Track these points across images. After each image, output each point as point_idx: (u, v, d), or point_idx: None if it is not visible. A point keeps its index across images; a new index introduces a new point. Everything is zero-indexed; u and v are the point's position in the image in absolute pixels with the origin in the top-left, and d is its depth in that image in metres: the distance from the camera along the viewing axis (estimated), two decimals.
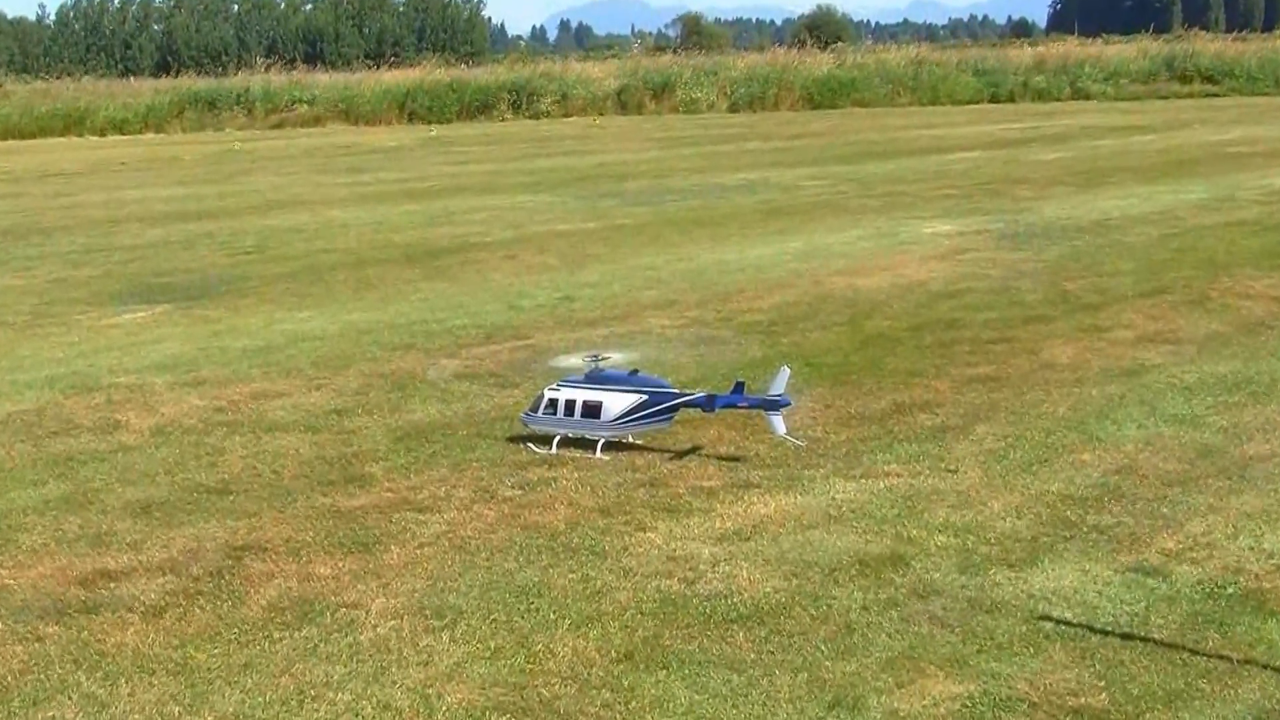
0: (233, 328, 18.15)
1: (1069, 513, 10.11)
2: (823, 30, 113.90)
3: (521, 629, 8.30)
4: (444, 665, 7.85)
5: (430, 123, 68.51)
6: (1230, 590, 8.65)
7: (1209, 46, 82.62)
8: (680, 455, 11.70)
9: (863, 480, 10.94)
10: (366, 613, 8.56)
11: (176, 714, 7.38)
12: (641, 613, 8.47)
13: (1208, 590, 8.68)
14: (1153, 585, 8.76)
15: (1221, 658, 7.73)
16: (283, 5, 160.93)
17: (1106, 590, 8.68)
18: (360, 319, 18.46)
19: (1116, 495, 10.49)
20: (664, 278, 21.09)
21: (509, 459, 11.74)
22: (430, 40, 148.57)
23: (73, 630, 8.46)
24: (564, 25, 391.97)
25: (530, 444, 12.03)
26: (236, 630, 8.38)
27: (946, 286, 19.58)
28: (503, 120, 69.35)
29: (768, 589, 8.78)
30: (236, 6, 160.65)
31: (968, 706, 7.29)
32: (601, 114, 70.59)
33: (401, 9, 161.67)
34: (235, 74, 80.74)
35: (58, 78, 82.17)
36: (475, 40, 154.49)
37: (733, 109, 71.92)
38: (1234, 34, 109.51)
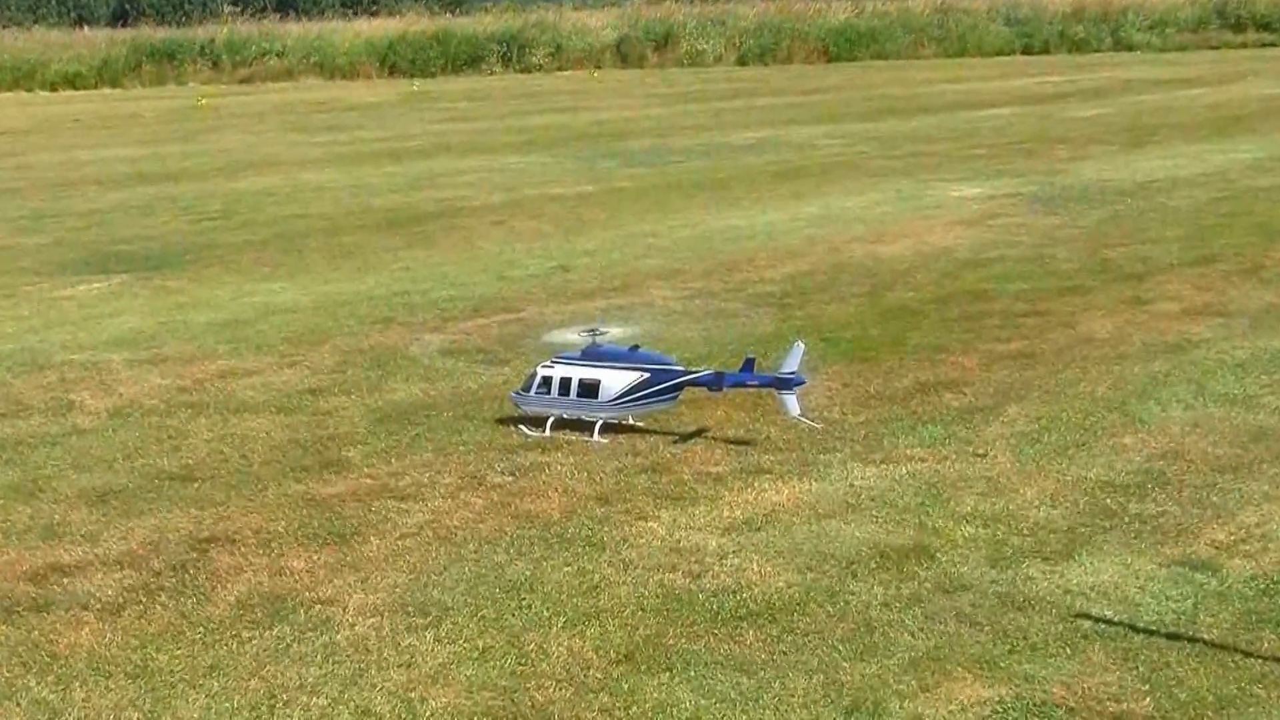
0: (197, 300, 18.12)
1: (1109, 501, 10.09)
2: None
3: (512, 627, 8.29)
4: (428, 667, 7.84)
5: (413, 77, 68.35)
6: None
7: None
8: (685, 438, 11.69)
9: (883, 465, 10.93)
10: (343, 610, 8.55)
11: None
12: (643, 609, 8.46)
13: (1262, 586, 8.66)
14: (1201, 580, 8.74)
15: (1278, 660, 7.72)
16: None
17: (1150, 586, 8.66)
18: (337, 290, 18.42)
19: (1161, 482, 10.47)
20: (667, 245, 21.04)
21: (499, 442, 11.72)
22: None
23: (22, 630, 8.44)
24: None
25: (522, 426, 12.01)
26: (202, 629, 8.37)
27: (975, 254, 19.54)
28: (492, 74, 69.20)
29: (780, 584, 8.77)
30: None
31: (998, 712, 7.27)
32: (599, 67, 70.43)
33: None
34: (199, 23, 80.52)
35: (4, 27, 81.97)
36: None
37: (741, 62, 71.76)
38: None
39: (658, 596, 8.63)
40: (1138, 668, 7.65)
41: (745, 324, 15.77)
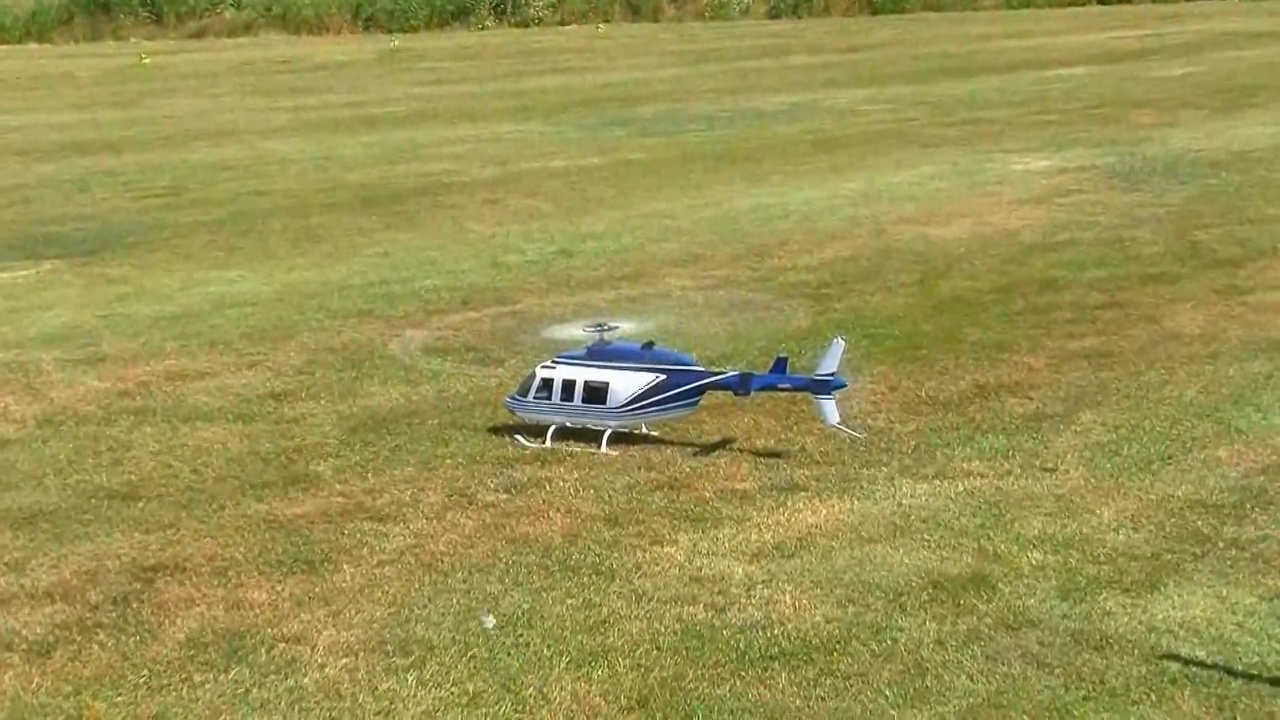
0: (141, 290, 18.13)
1: (1200, 523, 10.07)
2: None
3: (507, 669, 8.28)
4: (410, 715, 7.83)
5: (391, 31, 68.40)
6: None
7: None
8: (707, 450, 11.68)
9: (937, 482, 10.92)
10: (312, 649, 8.55)
11: None
12: (658, 648, 8.45)
13: None
14: None
15: None
16: None
17: (1249, 622, 8.64)
18: (303, 279, 18.43)
19: (1261, 502, 10.44)
20: (686, 227, 21.03)
21: (491, 455, 11.72)
22: None
23: None
24: None
25: (518, 436, 12.01)
26: (146, 673, 8.37)
27: (1043, 237, 19.51)
28: (483, 29, 69.25)
29: (817, 618, 8.77)
30: None
31: None
32: (607, 20, 70.46)
33: None
34: None
35: None
36: None
37: (772, 15, 71.78)
38: None
39: (675, 633, 8.63)
40: (1235, 716, 7.63)
41: (776, 318, 15.76)
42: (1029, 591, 9.07)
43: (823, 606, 8.92)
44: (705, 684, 8.07)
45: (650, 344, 12.34)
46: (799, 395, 11.76)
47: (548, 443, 11.80)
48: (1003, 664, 8.19)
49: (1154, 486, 10.75)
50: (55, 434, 12.63)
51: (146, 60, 56.31)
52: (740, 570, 9.47)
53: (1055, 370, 13.59)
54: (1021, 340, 14.58)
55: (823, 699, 7.89)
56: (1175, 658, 8.22)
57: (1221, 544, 9.74)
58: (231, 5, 70.88)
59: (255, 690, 8.14)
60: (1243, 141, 27.42)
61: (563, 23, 70.54)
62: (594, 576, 9.43)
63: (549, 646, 8.50)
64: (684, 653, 8.40)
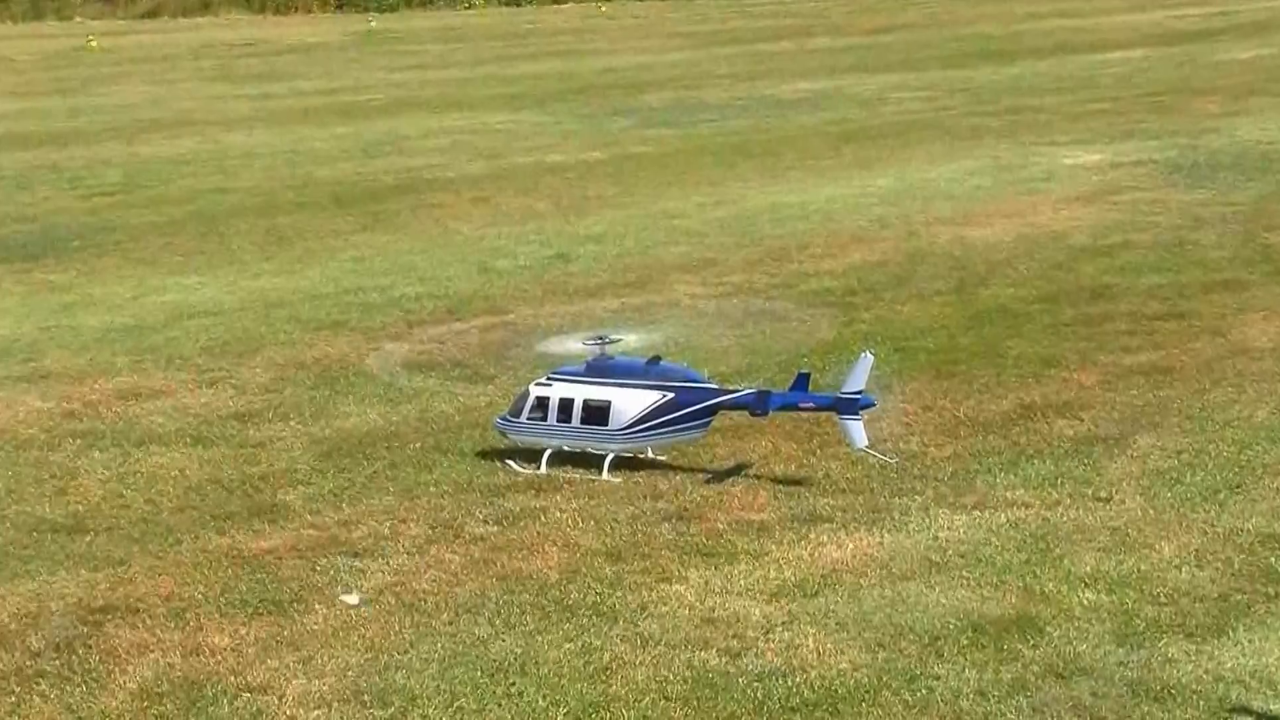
0: (89, 299, 18.14)
1: (1273, 560, 10.06)
2: None
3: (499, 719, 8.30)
4: None
5: (368, 10, 68.46)
6: None
7: None
8: (720, 477, 11.68)
9: (976, 512, 10.91)
10: (280, 699, 8.55)
11: None
12: (666, 698, 8.45)
13: None
14: None
15: None
16: None
17: None
18: (270, 286, 18.44)
19: None
20: (696, 228, 21.03)
21: (480, 482, 11.73)
22: None
23: None
24: None
25: (510, 461, 12.01)
26: None
27: (1094, 240, 19.51)
28: (470, 8, 69.30)
29: (843, 665, 8.77)
30: None
31: None
32: None
33: None
34: None
35: None
36: None
37: None
38: None
39: (685, 681, 8.63)
40: None
41: (797, 329, 15.76)
42: (1080, 636, 9.07)
43: (849, 651, 8.93)
44: None
45: (657, 359, 12.34)
46: (822, 416, 11.76)
47: (543, 468, 11.80)
48: (1051, 717, 8.20)
49: (1220, 519, 10.74)
50: None
51: (94, 42, 56.40)
52: (757, 611, 9.47)
53: (1109, 388, 13.59)
54: (1071, 355, 14.58)
55: None
56: (1246, 711, 8.22)
57: None
58: None
59: None
60: None
61: (559, 1, 70.55)
62: (594, 618, 9.43)
63: (544, 696, 8.50)
64: (695, 703, 8.40)
